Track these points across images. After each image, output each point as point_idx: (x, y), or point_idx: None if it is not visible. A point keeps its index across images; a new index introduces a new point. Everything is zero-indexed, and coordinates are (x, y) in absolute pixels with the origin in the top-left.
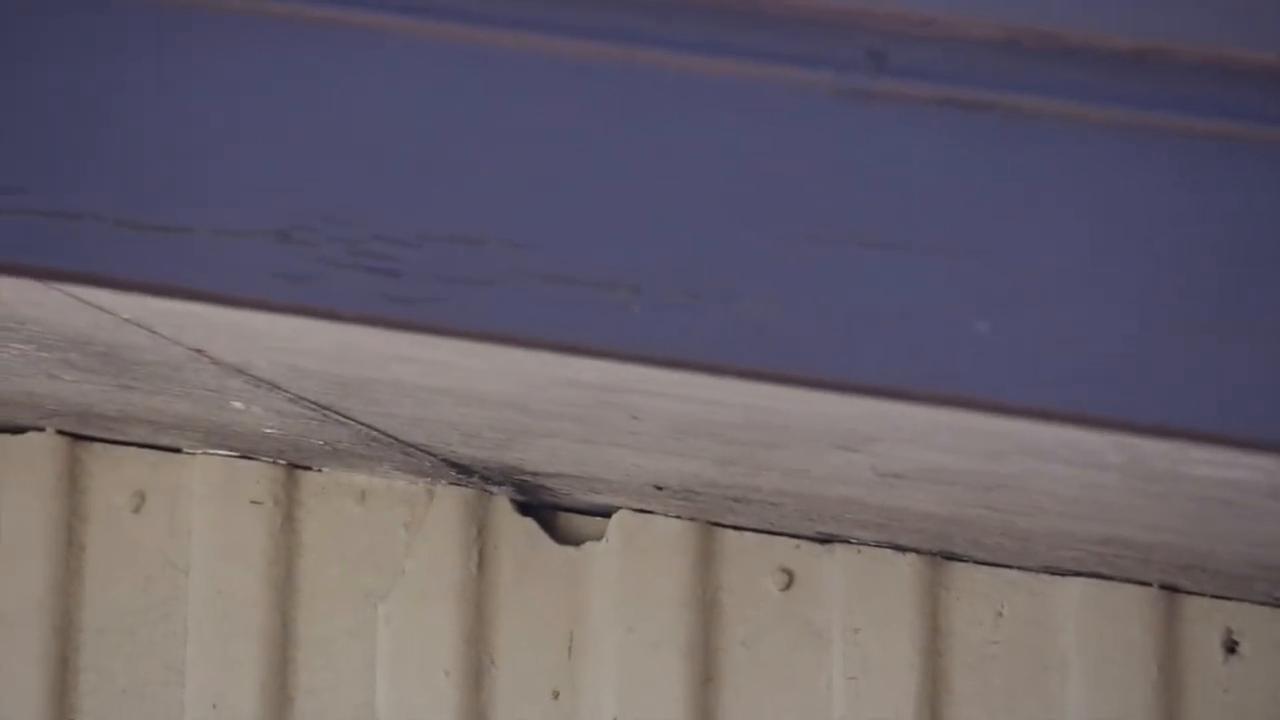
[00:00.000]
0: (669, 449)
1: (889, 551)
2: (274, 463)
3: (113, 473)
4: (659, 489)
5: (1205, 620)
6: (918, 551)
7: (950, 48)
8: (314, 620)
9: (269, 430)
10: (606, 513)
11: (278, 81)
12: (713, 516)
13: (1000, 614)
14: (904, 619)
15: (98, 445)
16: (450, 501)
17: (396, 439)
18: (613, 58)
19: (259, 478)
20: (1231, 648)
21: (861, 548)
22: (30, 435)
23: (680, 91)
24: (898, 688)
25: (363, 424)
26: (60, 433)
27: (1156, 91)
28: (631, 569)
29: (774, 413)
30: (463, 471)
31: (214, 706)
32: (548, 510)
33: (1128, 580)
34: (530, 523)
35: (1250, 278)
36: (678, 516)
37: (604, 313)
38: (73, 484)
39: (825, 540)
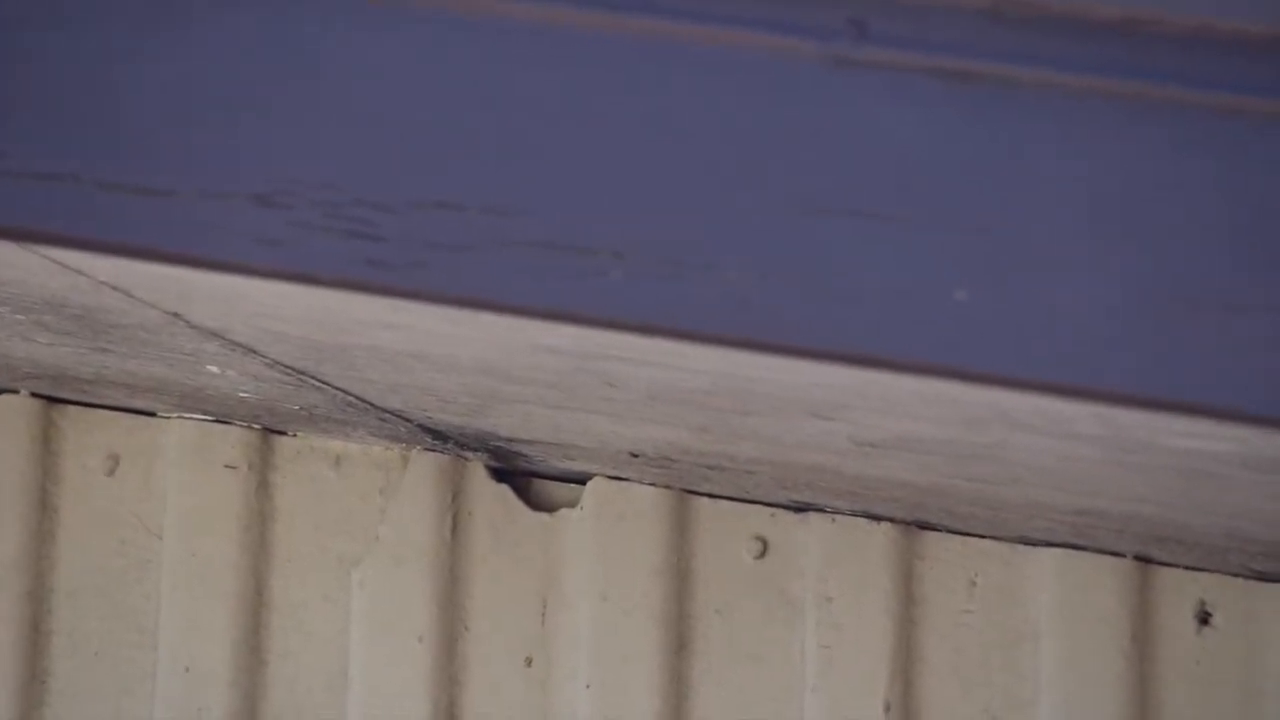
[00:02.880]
0: (645, 416)
1: (863, 520)
2: (249, 427)
3: (87, 436)
4: (634, 456)
5: (1178, 591)
6: (892, 520)
7: (932, 16)
8: (288, 585)
9: (244, 394)
10: (581, 480)
11: (261, 44)
12: (688, 484)
13: (974, 583)
14: (878, 588)
15: (72, 408)
16: (425, 467)
17: (372, 404)
18: (597, 24)
19: (233, 442)
20: (1204, 619)
21: (836, 516)
22: (4, 397)
23: (664, 58)
24: (871, 656)
25: (339, 389)
26: (34, 395)
27: (1144, 62)
28: (606, 536)
29: (751, 380)
30: (438, 437)
31: (186, 670)
32: (522, 477)
33: (1101, 551)
34: (505, 489)
35: (1235, 252)
36: (653, 484)
37: (585, 279)
38: (46, 447)
39: (800, 509)
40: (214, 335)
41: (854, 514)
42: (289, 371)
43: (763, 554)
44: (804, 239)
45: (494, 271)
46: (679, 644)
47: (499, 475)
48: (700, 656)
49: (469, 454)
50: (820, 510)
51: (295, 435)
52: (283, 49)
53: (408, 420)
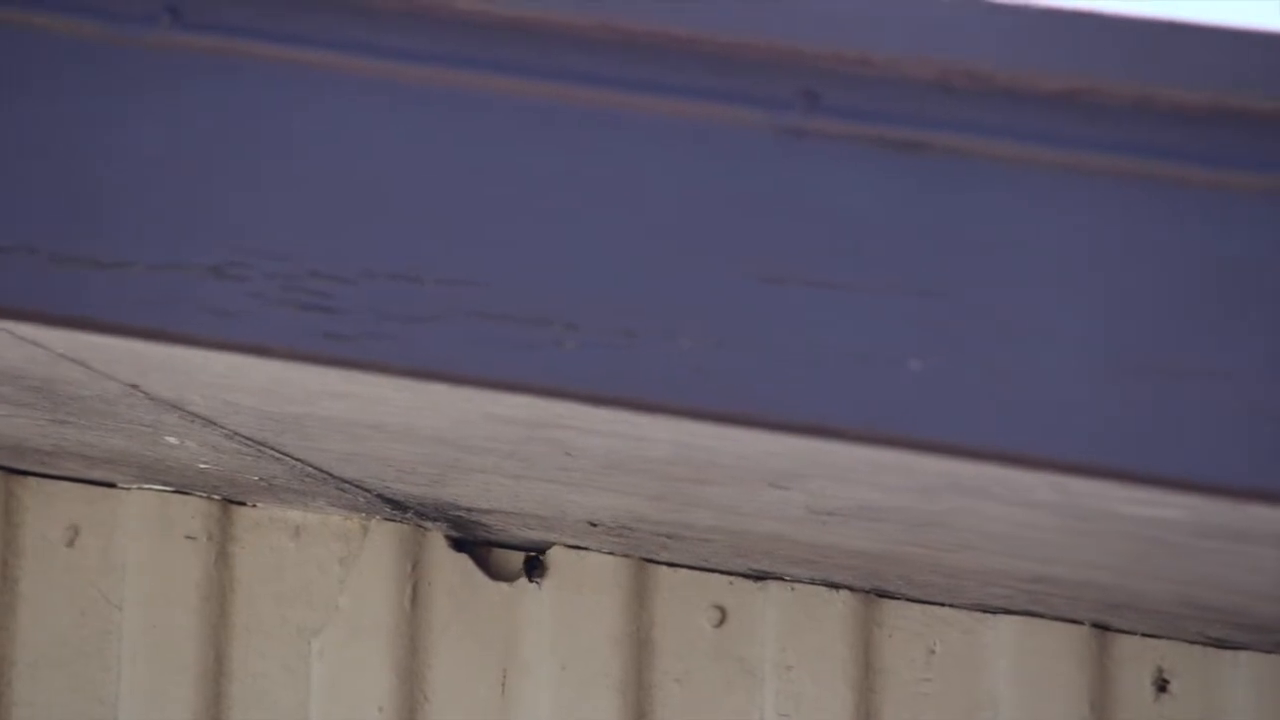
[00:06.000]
0: (603, 485)
1: (822, 588)
2: (208, 498)
3: (47, 507)
4: (593, 525)
5: (1136, 659)
6: (850, 589)
7: (883, 88)
8: (247, 656)
9: (203, 466)
10: (541, 549)
11: (216, 116)
12: (646, 553)
13: (933, 651)
14: (837, 656)
15: (32, 480)
16: (384, 537)
17: (331, 475)
18: (552, 96)
19: (193, 513)
20: (1162, 686)
21: (794, 585)
22: None
23: (618, 130)
24: None
25: (297, 460)
26: None
27: (1088, 132)
28: (565, 605)
29: (708, 450)
30: (397, 507)
31: None
32: (482, 546)
33: (1059, 618)
34: (464, 559)
35: (1185, 320)
36: (611, 553)
37: (540, 350)
38: (6, 518)
39: (758, 577)
40: (172, 407)
41: (813, 582)
42: (247, 442)
43: (721, 622)
44: (758, 308)
45: (449, 342)
46: (639, 713)
47: (458, 545)
48: None
49: (428, 524)
50: (779, 578)
51: (255, 506)
52: (237, 121)
53: (366, 490)
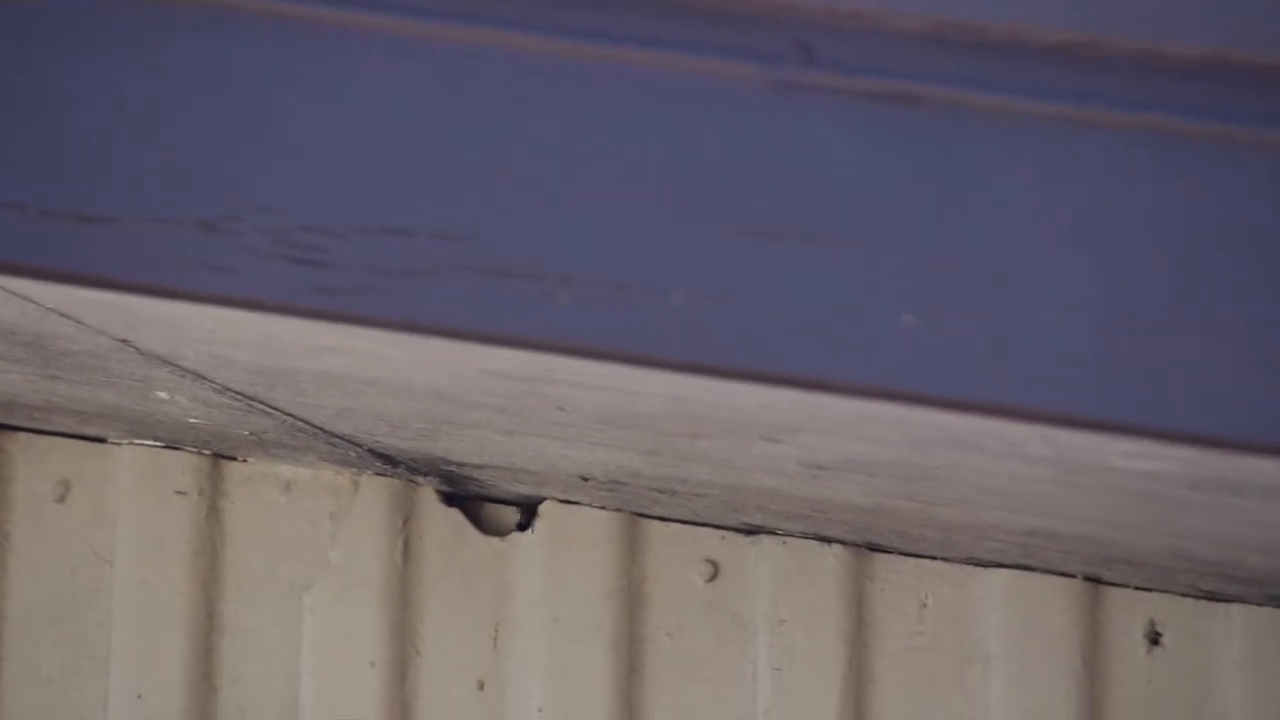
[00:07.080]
0: (595, 440)
1: (814, 543)
2: (199, 453)
3: (37, 462)
4: (585, 480)
5: (1128, 611)
6: (843, 543)
7: (877, 41)
8: (239, 610)
9: (194, 420)
10: (533, 503)
11: (206, 70)
12: (638, 508)
13: (925, 605)
14: (829, 610)
15: (22, 434)
16: (376, 492)
17: (322, 429)
18: (541, 50)
19: (184, 468)
20: (1154, 639)
21: (787, 539)
22: None
23: (609, 83)
24: (823, 679)
25: (288, 414)
26: None
27: (1086, 85)
28: (557, 560)
29: (700, 404)
30: (388, 462)
31: (139, 696)
32: (474, 501)
33: (1051, 571)
34: (456, 513)
35: (1178, 274)
36: (603, 508)
37: (533, 304)
38: None
39: (750, 531)
40: (163, 361)
41: (805, 536)
42: (238, 397)
43: (714, 577)
44: (751, 263)
45: (442, 297)
46: (630, 667)
47: (450, 499)
48: (652, 679)
49: (420, 478)
50: (771, 533)
51: (245, 460)
52: (228, 74)
53: (358, 445)
